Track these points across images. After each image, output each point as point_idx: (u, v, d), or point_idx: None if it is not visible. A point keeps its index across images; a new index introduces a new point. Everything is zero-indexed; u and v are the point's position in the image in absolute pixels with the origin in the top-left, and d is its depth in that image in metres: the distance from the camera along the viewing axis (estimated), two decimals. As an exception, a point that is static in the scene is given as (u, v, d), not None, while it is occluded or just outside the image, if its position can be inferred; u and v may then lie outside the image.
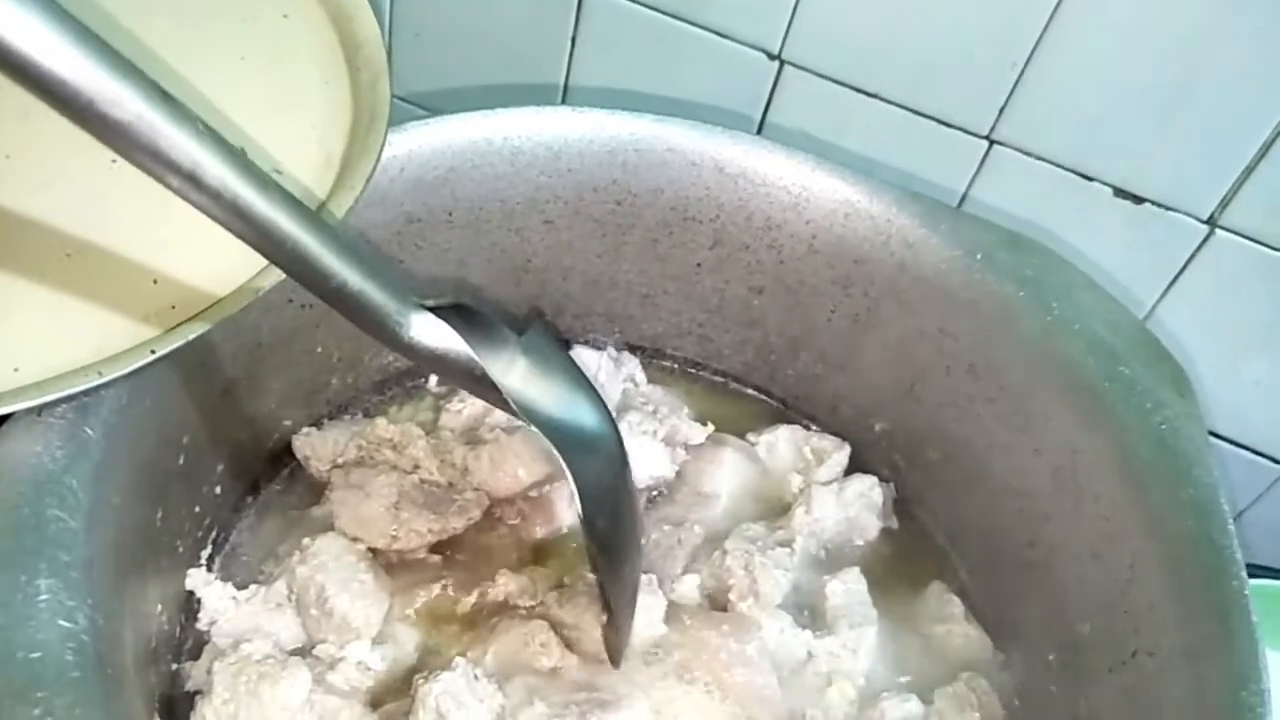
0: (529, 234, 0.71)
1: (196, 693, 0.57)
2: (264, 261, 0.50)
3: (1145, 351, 0.63)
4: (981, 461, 0.68)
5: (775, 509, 0.72)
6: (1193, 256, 0.71)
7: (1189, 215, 0.69)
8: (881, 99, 0.73)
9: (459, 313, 0.46)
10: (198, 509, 0.61)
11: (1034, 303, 0.64)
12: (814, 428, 0.76)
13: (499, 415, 0.71)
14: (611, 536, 0.54)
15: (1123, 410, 0.60)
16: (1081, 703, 0.59)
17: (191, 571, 0.60)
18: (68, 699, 0.39)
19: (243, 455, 0.66)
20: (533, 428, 0.49)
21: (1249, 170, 0.66)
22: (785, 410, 0.79)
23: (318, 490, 0.68)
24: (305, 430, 0.69)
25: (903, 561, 0.72)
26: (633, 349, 0.79)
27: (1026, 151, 0.71)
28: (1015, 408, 0.66)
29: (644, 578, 0.62)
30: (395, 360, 0.74)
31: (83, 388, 0.44)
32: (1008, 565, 0.67)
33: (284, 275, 0.49)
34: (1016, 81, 0.68)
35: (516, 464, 0.67)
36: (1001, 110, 0.70)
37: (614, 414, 0.73)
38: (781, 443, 0.74)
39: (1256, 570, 0.75)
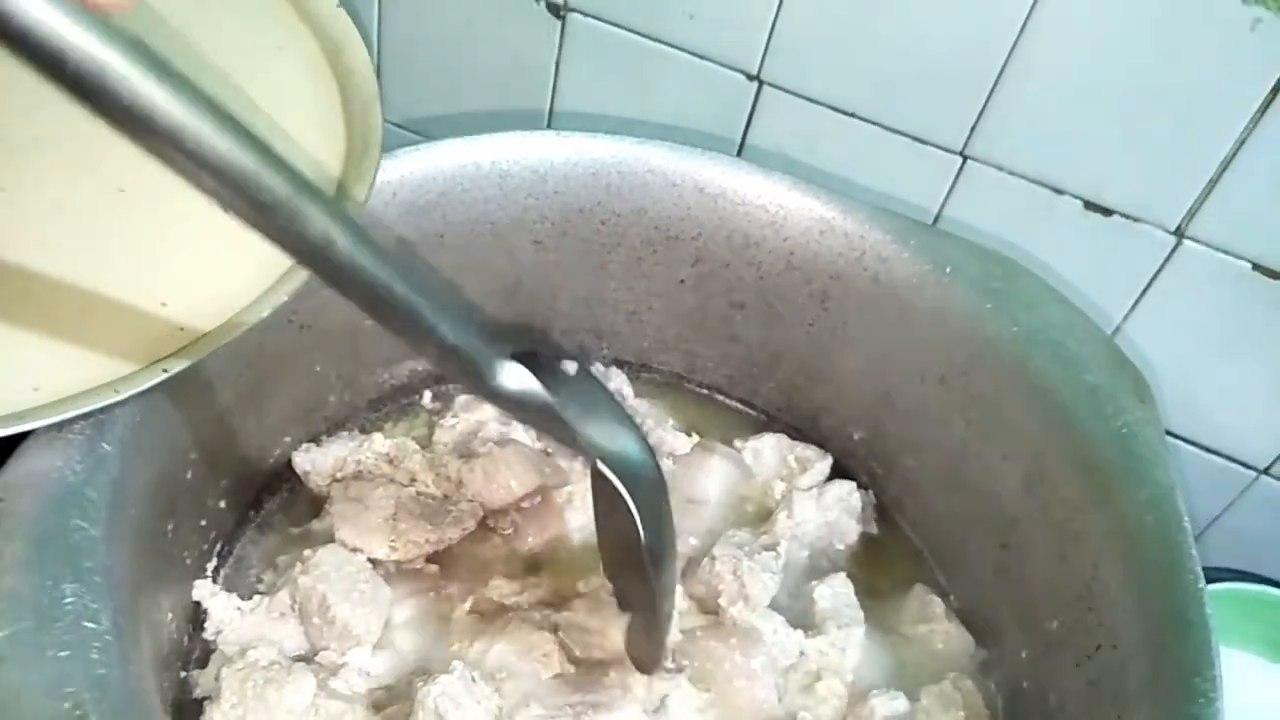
0: (518, 254, 0.72)
1: (205, 699, 0.58)
2: (267, 285, 0.52)
3: (1107, 359, 0.64)
4: (955, 467, 0.69)
5: (760, 515, 0.73)
6: (1162, 267, 0.71)
7: (1157, 226, 0.69)
8: (858, 117, 0.74)
9: (533, 357, 0.47)
10: (203, 523, 0.63)
11: (1001, 314, 0.65)
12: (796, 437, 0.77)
13: (491, 430, 0.72)
14: (663, 553, 0.55)
15: (1085, 416, 0.61)
16: (1051, 696, 0.60)
17: (198, 583, 0.61)
18: (95, 693, 0.40)
19: (246, 471, 0.67)
20: (599, 463, 0.50)
21: (1213, 182, 0.66)
22: (768, 421, 0.80)
23: (317, 504, 0.69)
24: (305, 446, 0.70)
25: (883, 565, 0.73)
26: (620, 364, 0.80)
27: (999, 166, 0.72)
28: (985, 415, 0.67)
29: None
30: (390, 378, 0.75)
31: (100, 405, 0.45)
32: (982, 567, 0.68)
33: (286, 298, 0.52)
34: (988, 99, 0.69)
35: (509, 476, 0.68)
36: (973, 127, 0.71)
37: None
38: (767, 450, 0.75)
39: (1230, 574, 0.76)
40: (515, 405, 0.47)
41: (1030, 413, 0.64)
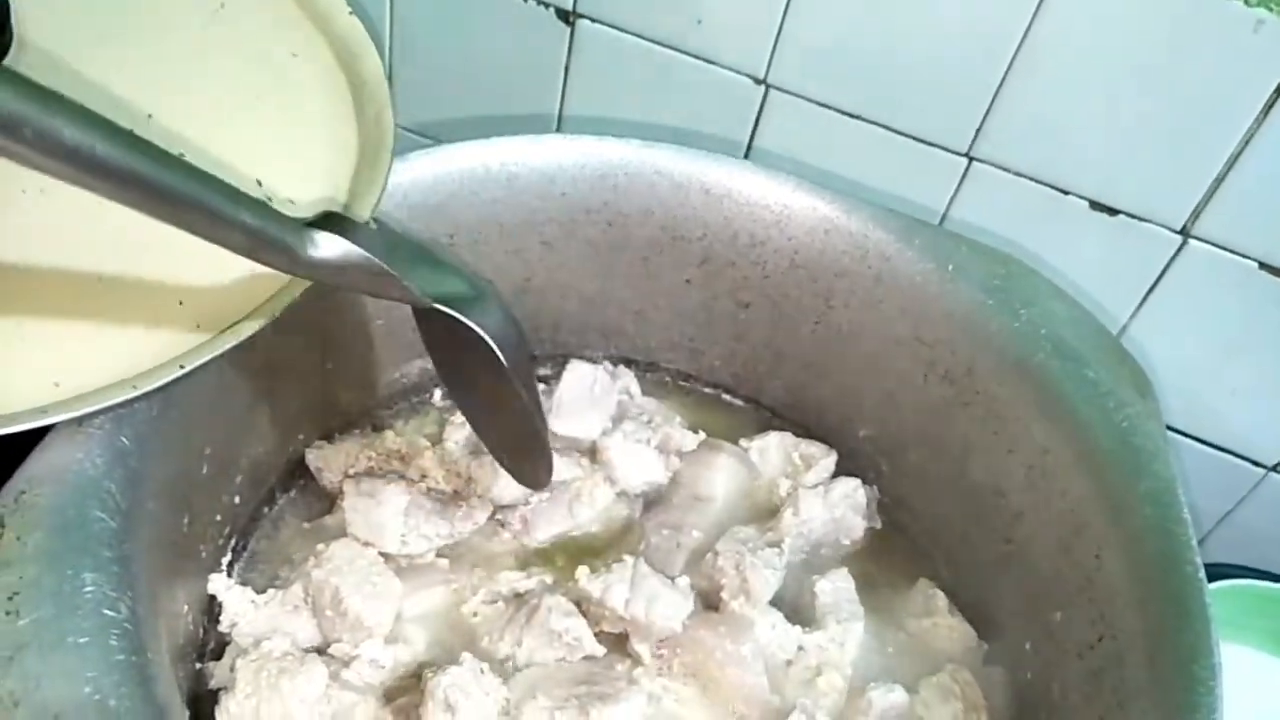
0: (527, 255, 0.73)
1: (220, 690, 0.58)
2: (281, 284, 0.53)
3: (1108, 354, 0.64)
4: (959, 463, 0.70)
5: (766, 511, 0.73)
6: (1168, 266, 0.72)
7: (1163, 226, 0.70)
8: (865, 120, 0.74)
9: (335, 219, 0.47)
10: (218, 517, 0.63)
11: (1003, 310, 0.66)
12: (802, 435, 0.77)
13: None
14: (521, 364, 0.54)
15: (1087, 410, 0.62)
16: (1054, 686, 0.60)
17: (213, 576, 0.62)
18: (114, 678, 0.41)
19: (260, 467, 0.67)
20: (437, 305, 0.50)
21: (1218, 181, 0.67)
22: (773, 419, 0.80)
23: (330, 500, 0.70)
24: (317, 443, 0.71)
25: (887, 560, 0.73)
26: (627, 362, 0.80)
27: (1004, 167, 0.72)
28: (988, 411, 0.67)
29: (668, 578, 0.65)
30: (402, 377, 0.76)
31: (119, 400, 0.45)
32: (986, 561, 0.69)
33: (299, 296, 0.52)
34: (992, 100, 0.70)
35: (518, 472, 0.69)
36: (979, 128, 0.71)
37: (607, 419, 0.74)
38: (773, 448, 0.76)
39: (1239, 571, 0.77)
40: (337, 272, 0.46)
41: (1033, 408, 0.65)
